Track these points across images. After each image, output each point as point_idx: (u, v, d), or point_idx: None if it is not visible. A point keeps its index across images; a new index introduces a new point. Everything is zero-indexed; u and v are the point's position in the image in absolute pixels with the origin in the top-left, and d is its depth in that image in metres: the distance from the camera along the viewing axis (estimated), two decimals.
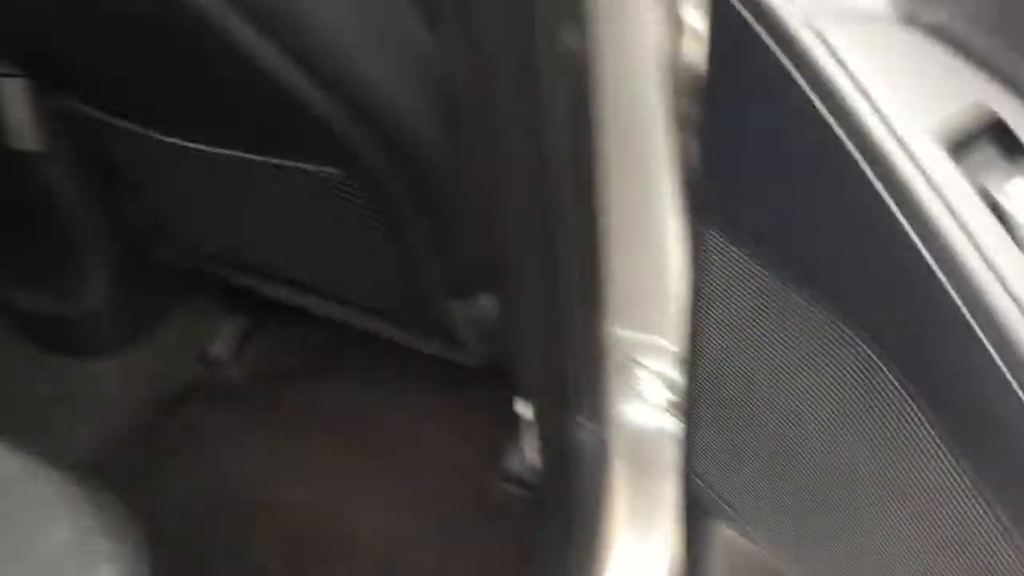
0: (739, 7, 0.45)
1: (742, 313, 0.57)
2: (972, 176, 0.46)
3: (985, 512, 0.49)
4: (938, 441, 0.48)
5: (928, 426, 0.47)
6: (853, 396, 0.51)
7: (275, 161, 0.91)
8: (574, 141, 0.66)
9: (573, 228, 0.73)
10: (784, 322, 0.54)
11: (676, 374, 0.77)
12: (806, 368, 0.54)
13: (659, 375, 0.80)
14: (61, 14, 0.85)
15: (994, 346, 0.44)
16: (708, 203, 0.56)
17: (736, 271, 0.55)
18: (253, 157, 0.92)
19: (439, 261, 0.96)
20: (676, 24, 0.62)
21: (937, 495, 0.51)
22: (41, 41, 0.95)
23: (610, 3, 0.61)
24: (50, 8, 0.85)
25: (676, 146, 0.64)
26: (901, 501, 0.54)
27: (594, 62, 0.62)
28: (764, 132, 0.49)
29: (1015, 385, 0.44)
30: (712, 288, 0.59)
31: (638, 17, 0.61)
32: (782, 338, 0.55)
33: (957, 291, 0.44)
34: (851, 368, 0.50)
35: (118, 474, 1.16)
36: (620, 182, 0.69)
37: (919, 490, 0.52)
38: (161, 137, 0.97)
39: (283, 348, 1.41)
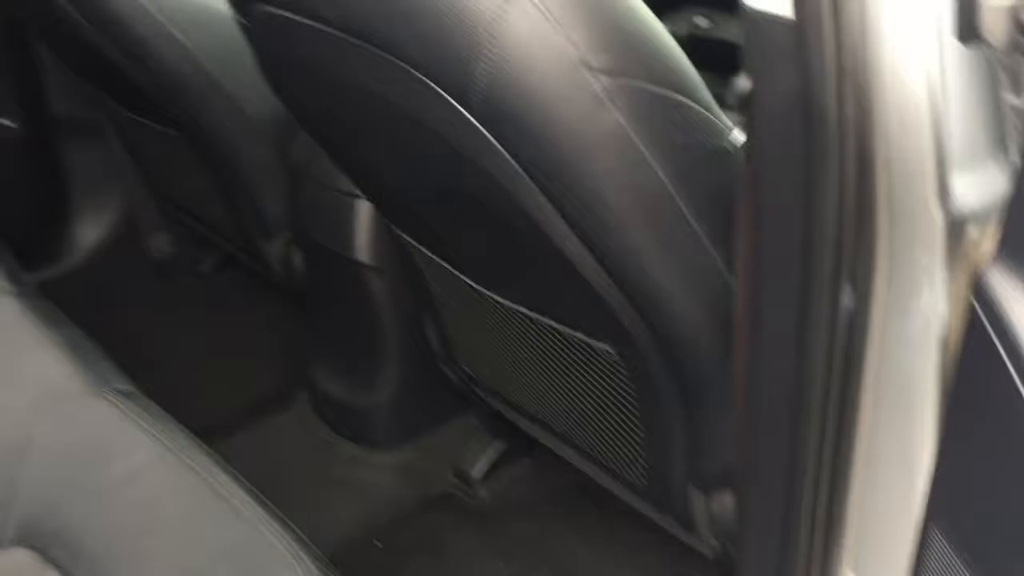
0: (992, 333, 0.46)
1: None
2: None
3: None
4: None
5: None
6: None
7: (557, 326, 1.00)
8: (835, 389, 0.68)
9: (820, 463, 0.74)
10: None
11: None
12: None
13: None
14: (397, 179, 1.01)
15: None
16: (937, 498, 0.56)
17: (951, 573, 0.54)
18: (539, 317, 1.01)
19: (688, 451, 0.99)
20: (960, 302, 0.63)
21: None
22: (380, 189, 1.13)
23: (892, 273, 0.63)
24: (386, 170, 1.01)
25: (940, 423, 0.64)
26: None
27: (868, 326, 0.64)
28: (998, 455, 0.49)
29: None
30: None
31: (920, 290, 0.63)
32: None
33: None
34: None
35: (358, 564, 1.27)
36: (876, 434, 0.70)
37: None
38: (466, 280, 1.09)
39: (531, 481, 1.49)
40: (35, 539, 0.96)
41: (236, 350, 1.74)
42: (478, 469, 1.49)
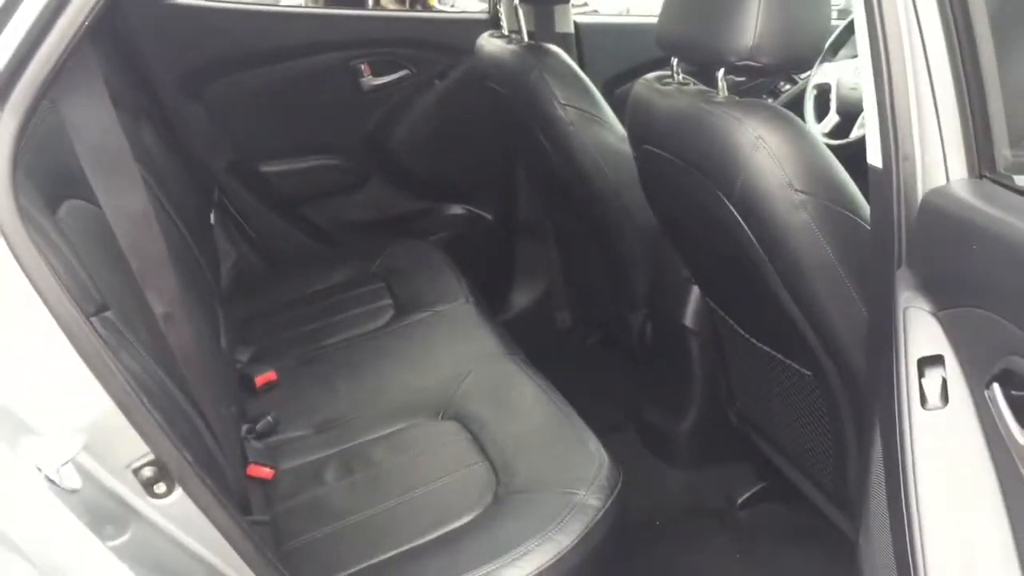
0: None
1: None
2: None
3: None
4: None
5: None
6: None
7: (777, 354, 1.58)
8: None
9: None
10: None
11: None
12: None
13: None
14: (702, 255, 1.66)
15: None
16: None
17: None
18: (769, 350, 1.60)
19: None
20: None
21: None
22: (697, 267, 1.78)
23: None
24: (698, 252, 1.67)
25: None
26: None
27: None
28: None
29: None
30: None
31: None
32: None
33: None
34: None
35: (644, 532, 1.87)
36: None
37: None
38: (739, 329, 1.71)
39: (778, 516, 1.98)
40: (460, 418, 1.72)
41: (592, 391, 2.41)
42: (742, 498, 2.02)
